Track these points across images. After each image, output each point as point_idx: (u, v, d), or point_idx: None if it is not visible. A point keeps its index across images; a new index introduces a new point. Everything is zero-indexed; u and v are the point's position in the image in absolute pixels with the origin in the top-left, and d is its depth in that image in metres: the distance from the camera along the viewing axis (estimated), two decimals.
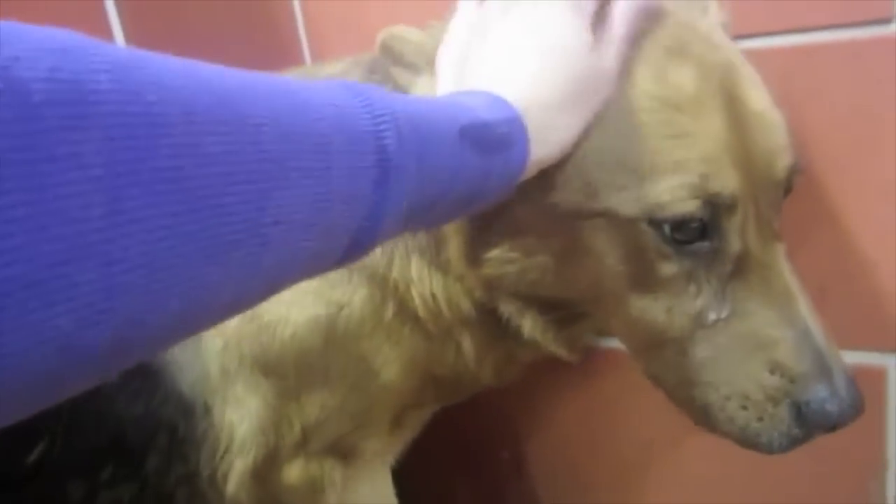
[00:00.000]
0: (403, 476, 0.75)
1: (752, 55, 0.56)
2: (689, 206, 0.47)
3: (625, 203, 0.49)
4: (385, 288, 0.61)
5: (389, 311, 0.62)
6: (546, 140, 0.46)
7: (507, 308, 0.59)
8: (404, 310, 0.62)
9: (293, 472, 0.67)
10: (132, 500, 0.69)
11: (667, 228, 0.49)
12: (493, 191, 0.44)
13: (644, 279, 0.51)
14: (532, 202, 0.52)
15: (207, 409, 0.66)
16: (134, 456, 0.67)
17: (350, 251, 0.36)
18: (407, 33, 0.54)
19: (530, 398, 0.91)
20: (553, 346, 0.61)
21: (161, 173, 0.25)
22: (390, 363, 0.64)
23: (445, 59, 0.51)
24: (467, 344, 0.63)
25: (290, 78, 0.35)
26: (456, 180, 0.40)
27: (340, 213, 0.34)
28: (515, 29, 0.49)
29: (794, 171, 0.52)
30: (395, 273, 0.60)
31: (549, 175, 0.50)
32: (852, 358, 0.74)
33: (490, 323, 0.62)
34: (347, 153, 0.33)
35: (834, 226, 0.68)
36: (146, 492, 0.69)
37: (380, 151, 0.35)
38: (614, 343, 0.73)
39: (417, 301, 0.61)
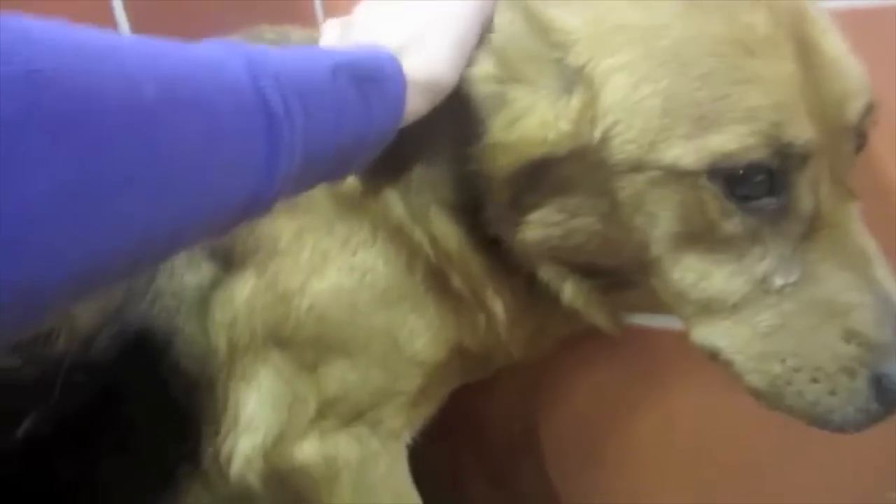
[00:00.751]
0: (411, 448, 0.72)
1: None
2: (757, 154, 0.43)
3: (687, 154, 0.44)
4: (412, 251, 0.57)
5: (417, 277, 0.58)
6: (426, 60, 0.48)
7: (546, 273, 0.55)
8: (433, 276, 0.58)
9: (306, 450, 0.62)
10: (130, 476, 0.64)
11: (731, 181, 0.44)
12: (381, 124, 0.46)
13: (703, 241, 0.47)
14: (582, 157, 0.48)
15: (211, 385, 0.61)
16: (134, 431, 0.63)
17: (249, 210, 0.38)
18: None
19: (544, 372, 0.88)
20: (594, 314, 0.56)
21: (56, 118, 0.27)
22: (417, 335, 0.59)
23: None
24: (500, 312, 0.59)
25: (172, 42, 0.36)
26: (341, 119, 0.42)
27: (233, 172, 0.36)
28: None
29: (868, 114, 0.48)
30: (424, 234, 0.56)
31: (602, 126, 0.46)
32: None
33: (524, 290, 0.58)
34: (233, 115, 0.35)
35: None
36: (145, 468, 0.65)
37: (265, 109, 0.37)
38: (633, 319, 0.70)
39: (440, 258, 0.56)
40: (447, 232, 0.56)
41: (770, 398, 0.48)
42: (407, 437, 0.68)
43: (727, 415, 0.82)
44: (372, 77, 0.45)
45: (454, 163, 0.53)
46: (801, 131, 0.44)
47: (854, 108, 0.46)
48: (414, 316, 0.59)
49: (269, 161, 0.37)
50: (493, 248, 0.56)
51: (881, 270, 0.46)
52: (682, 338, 0.62)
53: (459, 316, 0.60)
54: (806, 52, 0.45)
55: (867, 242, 0.47)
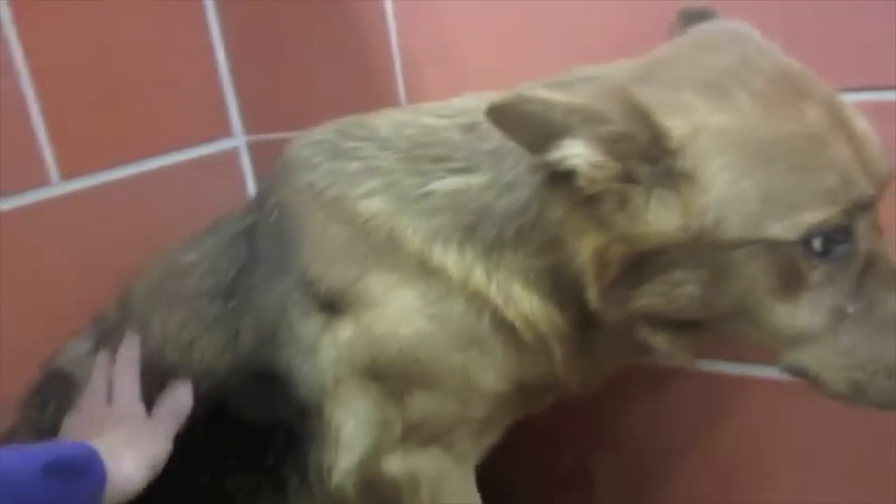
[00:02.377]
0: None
1: None
2: (838, 219, 0.55)
3: (784, 230, 0.56)
4: (482, 303, 0.69)
5: (485, 323, 0.70)
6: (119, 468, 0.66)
7: (642, 331, 0.65)
8: (499, 323, 0.70)
9: (393, 465, 0.75)
10: (253, 487, 0.79)
11: (818, 243, 0.56)
12: None
13: (791, 289, 0.59)
14: (690, 242, 0.58)
15: (319, 411, 0.75)
16: (255, 450, 0.77)
17: None
18: (543, 94, 0.59)
19: (597, 407, 0.97)
20: (678, 356, 0.67)
21: None
22: (484, 371, 0.71)
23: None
24: (559, 354, 0.70)
25: None
26: None
27: None
28: None
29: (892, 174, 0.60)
30: (494, 291, 0.68)
31: (711, 216, 0.57)
32: None
33: (581, 336, 0.70)
34: None
35: None
36: (263, 481, 0.79)
37: None
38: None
39: (515, 317, 0.69)
40: (525, 304, 0.68)
41: (855, 398, 0.59)
42: (475, 459, 0.80)
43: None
44: (75, 473, 0.61)
45: (542, 252, 0.66)
46: (866, 188, 0.56)
47: (886, 166, 0.59)
48: (482, 356, 0.71)
49: None
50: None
51: None
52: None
53: (522, 355, 0.71)
54: (848, 131, 0.57)
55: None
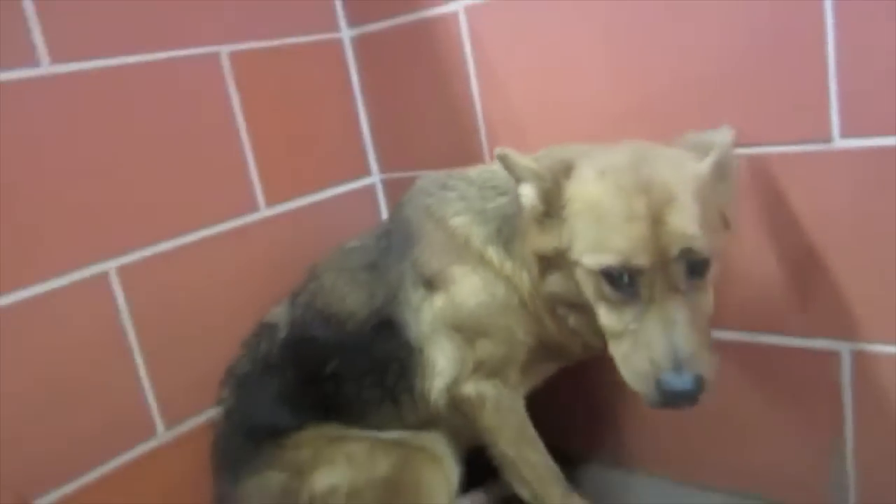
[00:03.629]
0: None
1: None
2: (619, 269, 0.88)
3: (592, 261, 0.91)
4: (513, 287, 1.08)
5: (515, 299, 1.09)
6: None
7: (561, 310, 1.05)
8: (522, 300, 1.09)
9: (468, 388, 1.15)
10: (378, 399, 1.21)
11: (608, 276, 0.89)
12: None
13: (600, 299, 0.93)
14: (562, 257, 0.96)
15: (421, 350, 1.16)
16: (380, 373, 1.20)
17: None
18: (515, 156, 0.97)
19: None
20: (589, 336, 1.04)
21: None
22: (519, 328, 1.10)
23: None
24: (548, 322, 1.08)
25: None
26: None
27: None
28: None
29: (687, 258, 0.87)
30: (517, 280, 1.07)
31: (570, 243, 0.93)
32: (808, 343, 1.13)
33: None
34: None
35: None
36: (384, 395, 1.21)
37: None
38: None
39: (522, 293, 1.07)
40: (524, 283, 1.06)
41: (632, 385, 0.91)
42: (522, 392, 1.18)
43: None
44: None
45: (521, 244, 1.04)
46: (640, 259, 0.86)
47: (673, 251, 0.87)
48: (517, 319, 1.09)
49: None
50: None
51: (678, 331, 0.86)
52: None
53: (534, 320, 1.09)
54: (656, 220, 0.86)
55: (678, 315, 0.87)
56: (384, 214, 1.66)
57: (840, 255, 1.07)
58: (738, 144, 1.03)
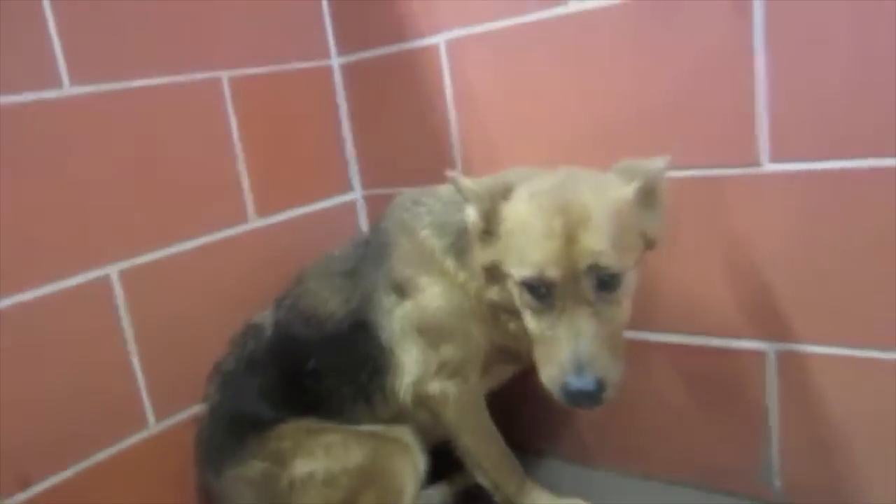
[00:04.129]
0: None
1: None
2: (536, 280, 0.99)
3: (516, 273, 1.02)
4: (466, 292, 1.20)
5: (468, 304, 1.20)
6: None
7: (503, 317, 1.17)
8: (474, 304, 1.20)
9: (432, 387, 1.27)
10: (352, 395, 1.33)
11: (527, 286, 1.01)
12: None
13: (525, 306, 1.03)
14: (494, 267, 1.08)
15: (391, 350, 1.28)
16: (355, 371, 1.32)
17: None
18: (462, 180, 1.08)
19: None
20: (525, 341, 1.09)
21: None
22: (476, 333, 1.22)
23: None
24: (494, 330, 1.20)
25: None
26: None
27: None
28: None
29: (596, 272, 0.97)
30: (469, 288, 1.19)
31: (502, 258, 1.05)
32: (739, 344, 1.26)
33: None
34: None
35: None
36: (359, 392, 1.33)
37: None
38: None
39: (475, 303, 1.19)
40: (477, 292, 1.18)
41: (545, 384, 1.01)
42: (484, 391, 1.31)
43: None
44: None
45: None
46: (551, 274, 0.97)
47: (582, 266, 0.97)
48: (472, 323, 1.21)
49: None
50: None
51: (583, 339, 0.96)
52: None
53: (488, 327, 1.21)
54: (571, 238, 0.96)
55: (585, 326, 0.97)
56: (365, 227, 1.79)
57: (769, 265, 1.22)
58: (679, 166, 1.18)
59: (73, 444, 1.30)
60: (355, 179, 1.79)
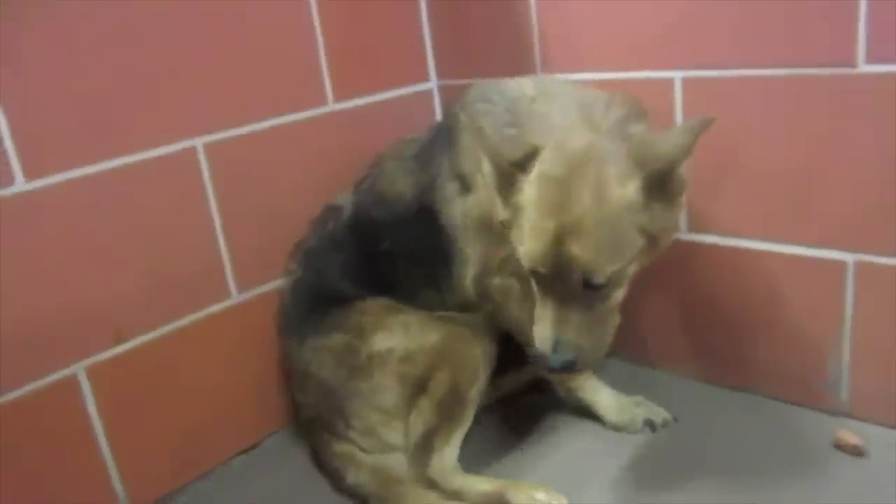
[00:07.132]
0: None
1: None
2: (531, 269, 1.03)
3: (519, 249, 1.05)
4: None
5: None
6: None
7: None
8: None
9: (495, 281, 1.29)
10: (423, 279, 1.36)
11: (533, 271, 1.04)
12: None
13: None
14: (507, 222, 1.09)
15: (456, 241, 1.30)
16: (422, 255, 1.35)
17: None
18: (488, 136, 1.09)
19: None
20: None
21: None
22: None
23: None
24: None
25: None
26: None
27: None
28: None
29: (583, 277, 1.00)
30: None
31: (513, 226, 1.06)
32: (818, 253, 1.25)
33: None
34: None
35: None
36: (428, 277, 1.36)
37: None
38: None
39: None
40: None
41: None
42: None
43: None
44: None
45: None
46: (541, 269, 1.01)
47: (568, 267, 0.99)
48: None
49: None
50: None
51: (561, 325, 1.02)
52: None
53: None
54: (560, 243, 0.98)
55: (570, 314, 1.02)
56: (438, 117, 1.78)
57: (852, 171, 1.19)
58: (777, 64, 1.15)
59: (161, 308, 1.37)
60: (432, 69, 1.77)
